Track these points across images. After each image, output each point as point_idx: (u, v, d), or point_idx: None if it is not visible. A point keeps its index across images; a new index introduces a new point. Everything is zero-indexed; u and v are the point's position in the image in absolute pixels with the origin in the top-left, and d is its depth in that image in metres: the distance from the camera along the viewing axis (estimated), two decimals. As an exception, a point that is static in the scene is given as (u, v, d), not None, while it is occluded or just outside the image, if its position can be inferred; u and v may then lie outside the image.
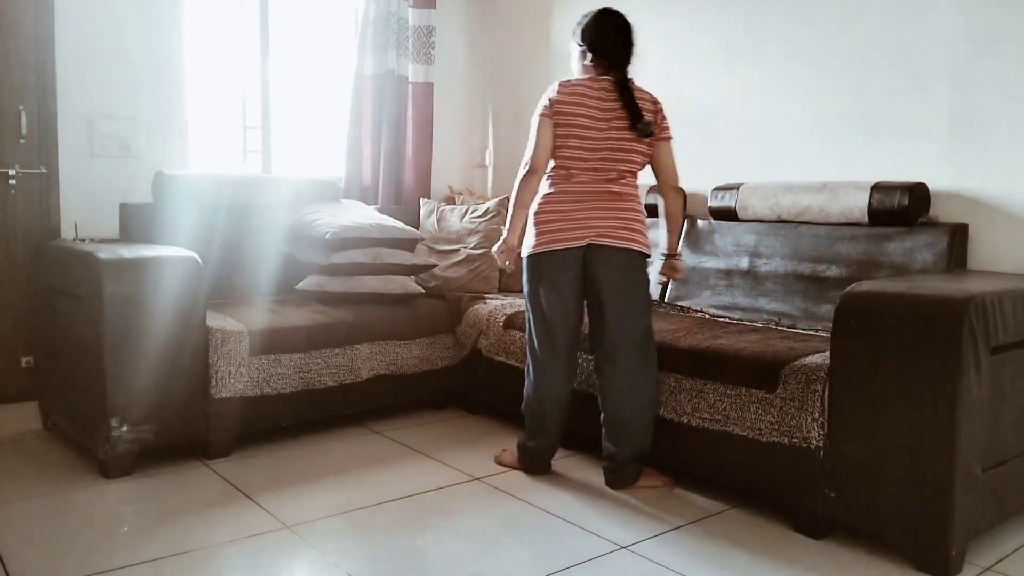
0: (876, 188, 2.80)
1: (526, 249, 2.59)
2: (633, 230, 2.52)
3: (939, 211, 2.80)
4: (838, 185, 2.91)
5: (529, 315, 2.63)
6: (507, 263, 2.68)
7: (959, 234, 2.70)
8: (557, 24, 4.21)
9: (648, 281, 2.59)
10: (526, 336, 2.70)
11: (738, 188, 3.22)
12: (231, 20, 3.98)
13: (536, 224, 2.55)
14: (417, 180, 4.36)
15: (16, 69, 3.30)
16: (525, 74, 4.41)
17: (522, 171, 2.56)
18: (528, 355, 2.67)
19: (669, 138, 2.63)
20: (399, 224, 3.45)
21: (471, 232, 3.75)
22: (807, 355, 2.30)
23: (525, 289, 2.62)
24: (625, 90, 2.54)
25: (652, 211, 3.53)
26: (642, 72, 3.98)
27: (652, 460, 2.61)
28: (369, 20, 4.14)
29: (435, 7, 4.33)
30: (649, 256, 2.57)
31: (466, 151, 4.75)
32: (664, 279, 2.76)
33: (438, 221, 3.91)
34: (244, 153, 4.06)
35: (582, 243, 2.50)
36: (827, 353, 2.21)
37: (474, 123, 4.73)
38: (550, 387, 2.61)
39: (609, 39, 2.60)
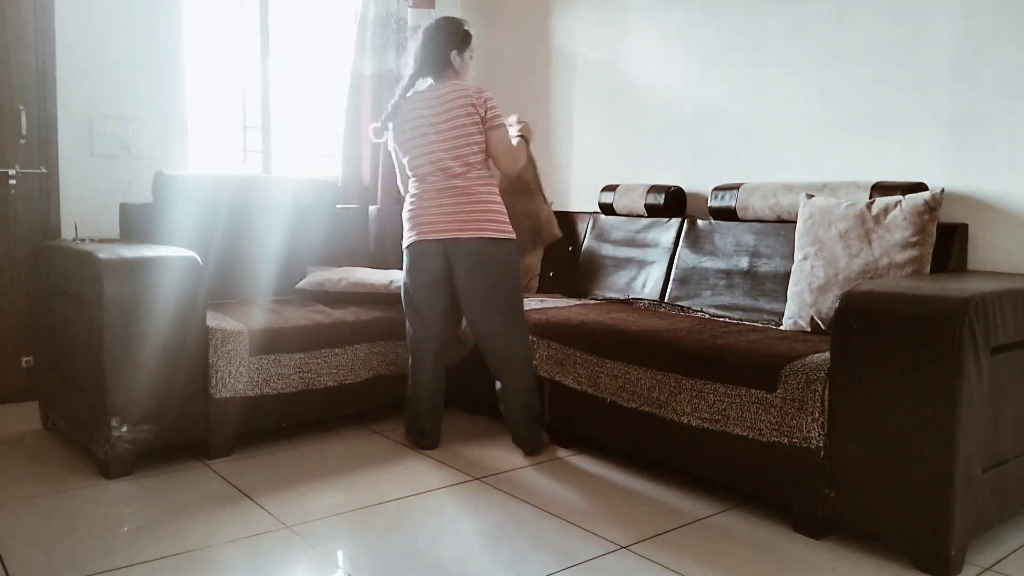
0: (876, 188, 2.80)
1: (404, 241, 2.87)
2: (483, 220, 2.72)
3: (939, 211, 2.80)
4: (838, 185, 2.91)
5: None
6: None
7: (959, 234, 2.71)
8: (556, 24, 4.21)
9: (505, 266, 2.75)
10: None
11: (738, 188, 3.22)
12: (231, 20, 3.98)
13: (405, 223, 2.86)
14: (417, 180, 4.35)
15: (16, 69, 3.30)
16: (524, 74, 4.41)
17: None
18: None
19: (493, 127, 2.74)
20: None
21: (471, 232, 3.74)
22: (807, 355, 2.30)
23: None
24: (406, 93, 2.81)
25: (651, 211, 3.54)
26: (643, 72, 3.99)
27: (649, 458, 2.61)
28: (368, 20, 4.14)
29: (434, 7, 4.33)
30: (505, 240, 2.74)
31: (466, 151, 4.75)
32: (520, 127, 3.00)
33: (438, 221, 3.91)
34: (244, 153, 4.06)
35: (440, 236, 2.73)
36: (827, 353, 2.21)
37: (474, 123, 4.73)
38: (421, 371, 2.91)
39: (421, 50, 2.83)
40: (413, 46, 2.86)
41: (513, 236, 2.79)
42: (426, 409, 2.91)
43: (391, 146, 2.92)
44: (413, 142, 2.78)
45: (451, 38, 2.81)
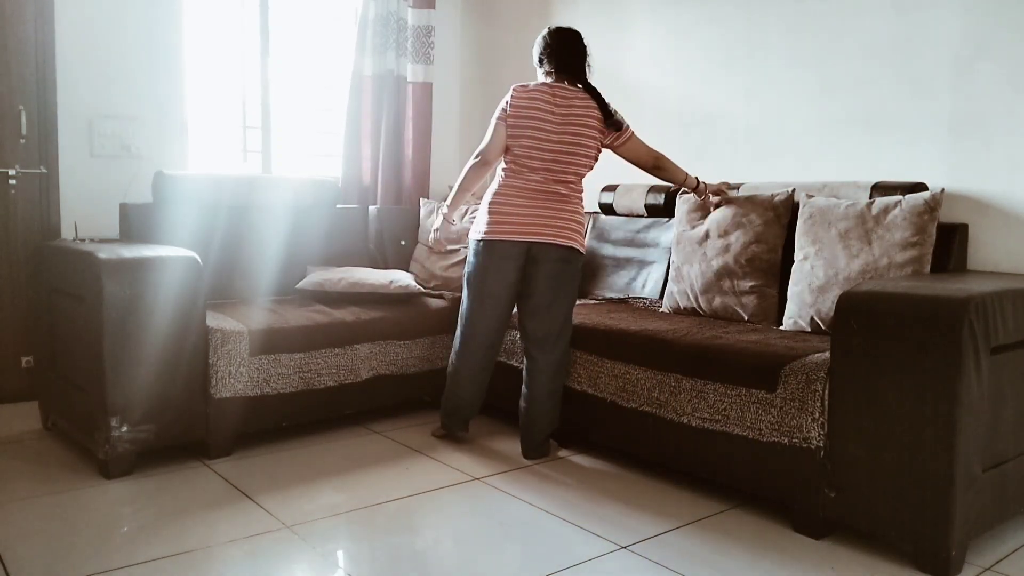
0: (876, 188, 2.80)
1: (477, 233, 2.83)
2: (575, 231, 2.78)
3: (939, 211, 2.80)
4: (838, 185, 2.91)
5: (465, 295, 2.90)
6: (442, 239, 3.19)
7: (959, 234, 2.71)
8: (556, 24, 4.20)
9: (578, 277, 2.85)
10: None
11: (738, 188, 3.22)
12: (231, 20, 3.98)
13: (489, 213, 2.80)
14: (416, 180, 4.36)
15: (16, 69, 3.30)
16: (524, 74, 4.40)
17: (472, 160, 2.93)
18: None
19: (628, 137, 2.88)
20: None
21: (471, 232, 3.74)
22: (807, 355, 2.30)
23: (468, 270, 2.86)
24: (595, 93, 2.81)
25: (651, 211, 3.54)
26: (643, 72, 3.99)
27: (649, 458, 2.61)
28: (368, 20, 4.14)
29: (435, 7, 4.33)
30: (582, 254, 2.82)
31: (465, 151, 4.75)
32: (716, 201, 3.09)
33: (438, 221, 3.91)
34: (244, 153, 4.06)
35: (526, 238, 2.73)
36: (827, 353, 2.21)
37: (473, 123, 4.73)
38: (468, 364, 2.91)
39: (562, 49, 2.85)
40: (539, 50, 2.88)
41: (584, 253, 2.86)
42: (466, 397, 2.93)
43: (499, 109, 2.88)
44: (529, 131, 2.77)
45: (585, 50, 2.87)
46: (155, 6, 3.61)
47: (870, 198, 2.76)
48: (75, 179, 3.46)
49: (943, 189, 2.62)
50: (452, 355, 2.95)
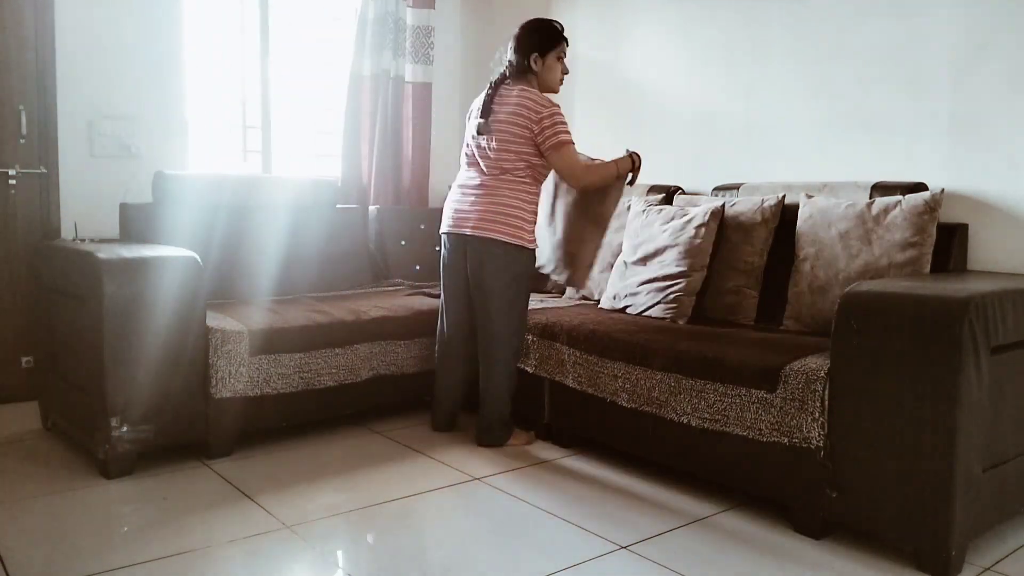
0: (876, 188, 2.80)
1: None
2: (496, 222, 2.80)
3: (939, 211, 2.80)
4: (838, 185, 2.91)
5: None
6: None
7: (959, 234, 2.71)
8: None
9: (510, 271, 2.83)
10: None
11: (738, 188, 3.22)
12: (231, 20, 3.98)
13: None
14: (415, 180, 4.36)
15: (16, 69, 3.30)
16: (525, 74, 4.41)
17: None
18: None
19: (551, 147, 2.77)
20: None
21: (471, 232, 3.74)
22: (807, 355, 2.30)
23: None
24: (493, 93, 2.86)
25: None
26: (643, 72, 3.99)
27: (649, 458, 2.61)
28: (367, 20, 4.14)
29: (434, 7, 4.33)
30: (515, 245, 2.81)
31: (466, 151, 4.75)
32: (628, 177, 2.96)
33: (438, 221, 3.91)
34: (244, 153, 4.06)
35: (463, 231, 2.87)
36: (827, 353, 2.21)
37: (474, 123, 4.73)
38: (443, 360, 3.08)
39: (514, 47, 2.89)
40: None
41: (527, 244, 2.84)
42: (441, 389, 3.11)
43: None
44: (469, 131, 2.93)
45: (531, 42, 2.84)
46: (155, 6, 3.61)
47: (870, 198, 2.76)
48: (75, 179, 3.46)
49: (943, 189, 2.62)
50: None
